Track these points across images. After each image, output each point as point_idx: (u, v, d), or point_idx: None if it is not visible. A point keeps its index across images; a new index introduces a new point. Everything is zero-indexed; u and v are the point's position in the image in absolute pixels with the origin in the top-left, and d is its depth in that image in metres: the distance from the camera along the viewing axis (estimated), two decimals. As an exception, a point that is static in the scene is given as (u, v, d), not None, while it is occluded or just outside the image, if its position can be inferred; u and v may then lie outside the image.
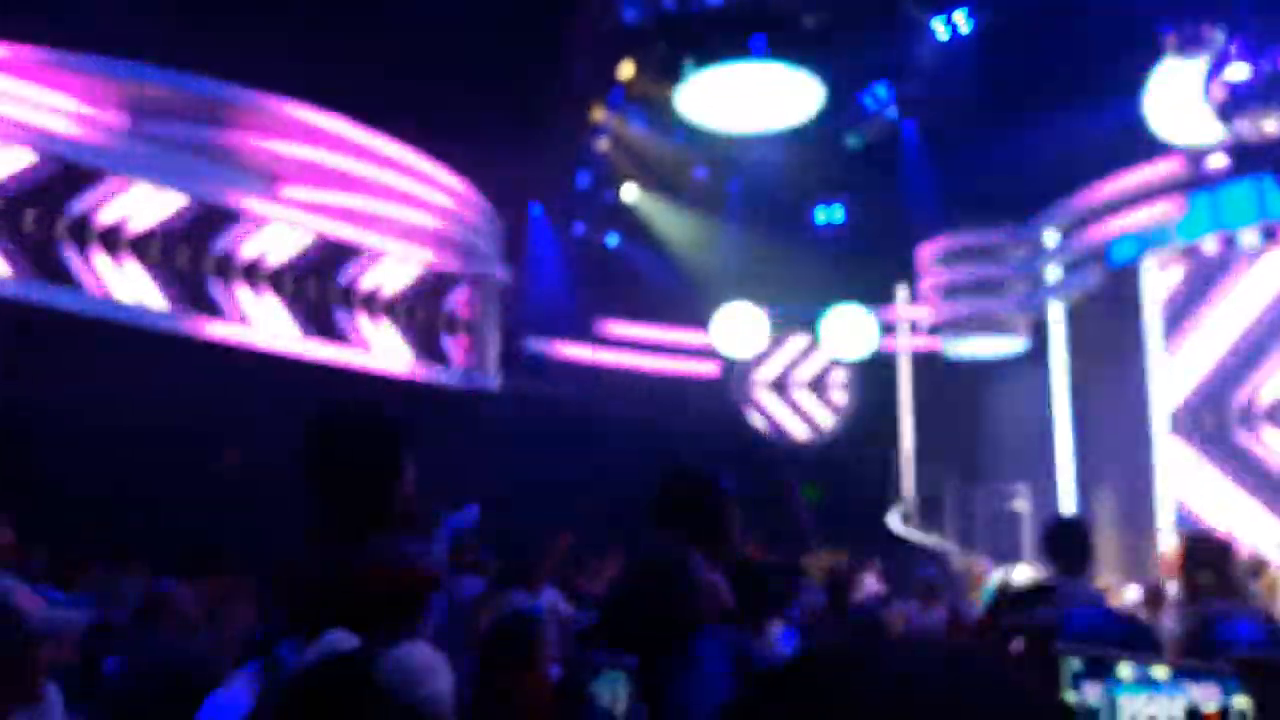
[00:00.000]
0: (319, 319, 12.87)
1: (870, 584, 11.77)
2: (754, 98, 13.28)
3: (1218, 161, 12.37)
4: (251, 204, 12.06)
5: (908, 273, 15.73)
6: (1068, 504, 13.54)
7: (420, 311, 14.02)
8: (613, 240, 16.53)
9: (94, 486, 9.43)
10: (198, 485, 10.24)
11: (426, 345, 14.08)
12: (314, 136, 12.00)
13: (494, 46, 11.48)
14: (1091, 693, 1.62)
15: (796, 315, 16.47)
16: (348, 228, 13.07)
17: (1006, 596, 4.22)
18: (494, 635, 4.61)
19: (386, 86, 11.74)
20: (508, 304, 14.88)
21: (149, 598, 4.64)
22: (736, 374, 16.83)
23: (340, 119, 12.14)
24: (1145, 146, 12.62)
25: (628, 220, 16.40)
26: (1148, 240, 13.35)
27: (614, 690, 2.47)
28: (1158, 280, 13.44)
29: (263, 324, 12.25)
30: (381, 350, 13.51)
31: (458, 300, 14.54)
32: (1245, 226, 12.68)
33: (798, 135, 14.95)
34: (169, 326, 11.32)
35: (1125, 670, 1.61)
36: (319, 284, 12.91)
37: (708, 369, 16.60)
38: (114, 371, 9.94)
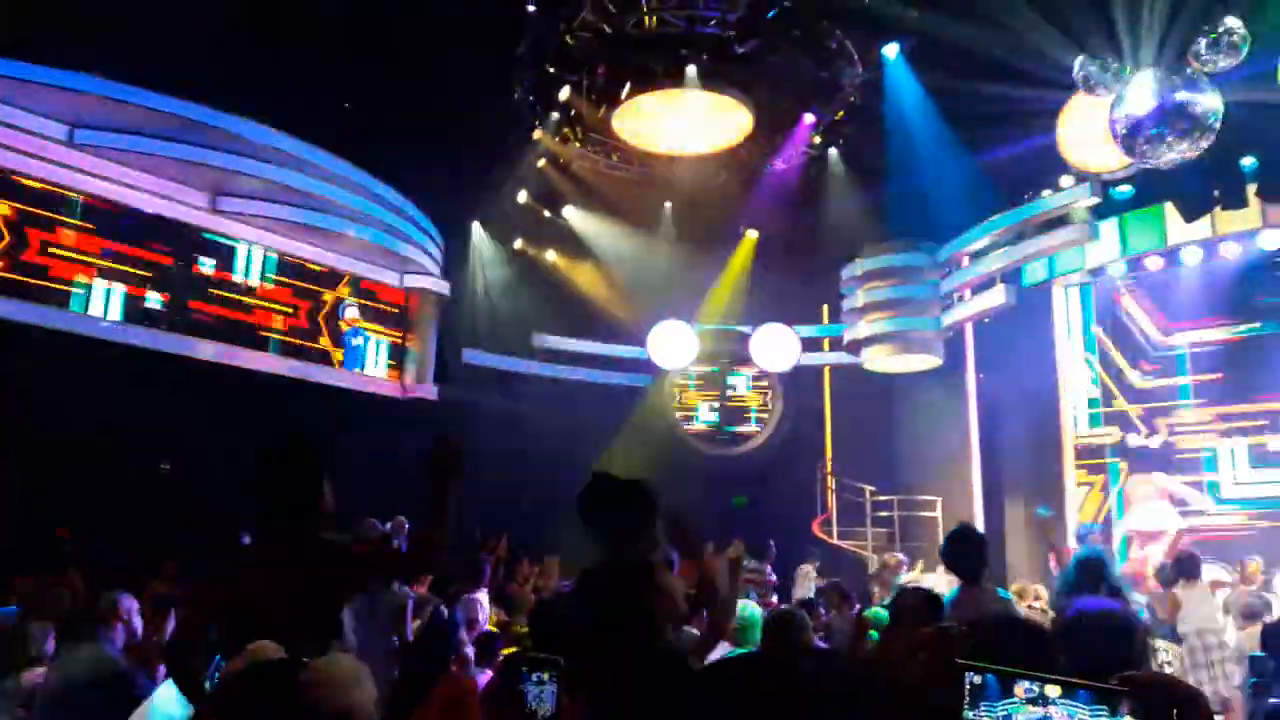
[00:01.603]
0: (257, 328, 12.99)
1: (813, 580, 12.26)
2: (688, 121, 13.69)
3: (1123, 190, 13.00)
4: (197, 217, 12.20)
5: (831, 292, 16.31)
6: (979, 513, 14.14)
7: (358, 322, 14.17)
8: (550, 256, 16.80)
9: (30, 496, 9.47)
10: (134, 496, 10.29)
11: (364, 354, 14.24)
12: (258, 151, 12.08)
13: (437, 66, 11.66)
14: (986, 709, 1.65)
15: (727, 330, 16.98)
16: (288, 239, 13.21)
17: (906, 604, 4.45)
18: (416, 639, 4.81)
19: (329, 104, 11.86)
20: (447, 316, 15.08)
21: (97, 604, 4.72)
22: (669, 386, 17.23)
23: (283, 135, 12.23)
24: (1056, 174, 13.23)
25: (565, 237, 16.69)
26: (1056, 263, 14.03)
27: (542, 689, 2.50)
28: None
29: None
30: (319, 360, 13.65)
31: (397, 312, 14.75)
32: (1148, 251, 13.39)
33: (729, 158, 15.40)
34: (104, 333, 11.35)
35: (1020, 686, 1.64)
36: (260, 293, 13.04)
37: (641, 381, 16.96)
38: (50, 380, 9.96)
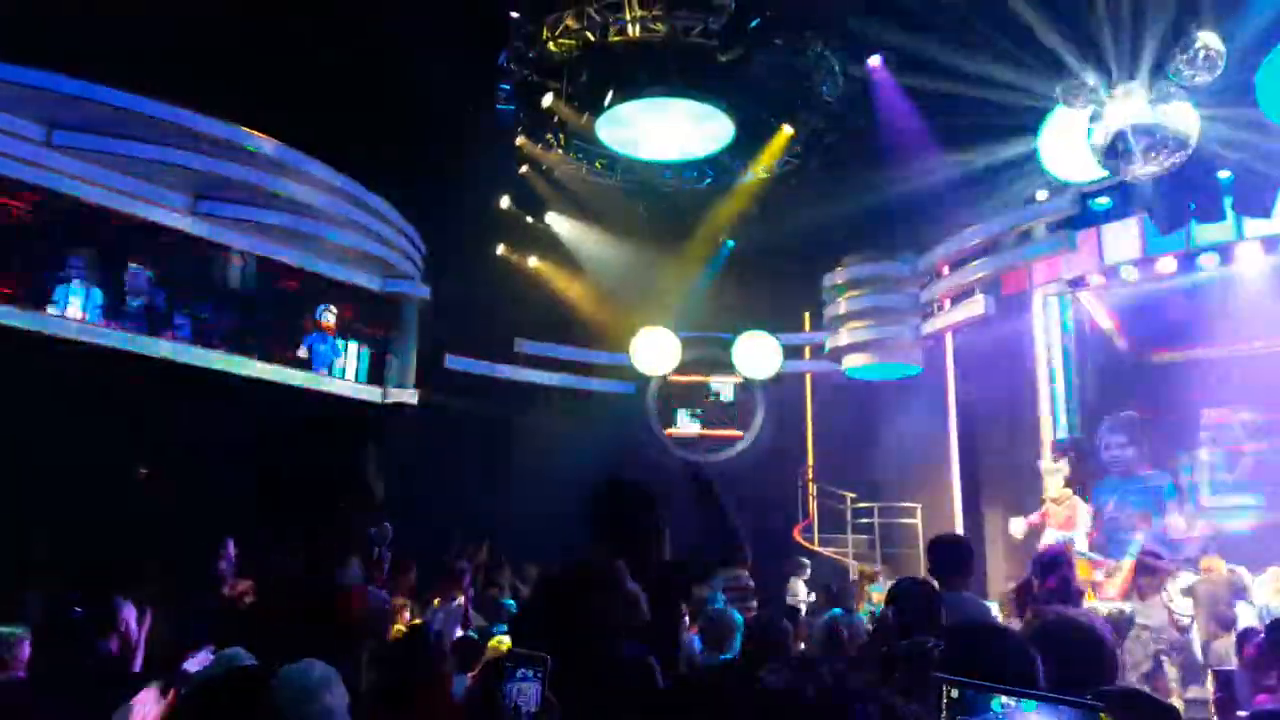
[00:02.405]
0: (243, 334, 12.92)
1: (801, 590, 12.33)
2: (671, 128, 13.73)
3: (1103, 200, 13.14)
4: (176, 220, 12.12)
5: (813, 300, 16.39)
6: (958, 521, 14.23)
7: (340, 326, 14.11)
8: (533, 261, 16.79)
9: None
10: (110, 500, 10.22)
11: (346, 360, 14.17)
12: (242, 156, 12.03)
13: (419, 72, 11.66)
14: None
15: (709, 337, 17.03)
16: (267, 244, 13.15)
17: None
18: (396, 648, 4.77)
19: (311, 107, 11.82)
20: (428, 321, 15.04)
21: (97, 610, 4.69)
22: (651, 393, 17.24)
23: (264, 139, 12.19)
24: (1037, 185, 13.36)
25: (548, 243, 16.70)
26: (1037, 272, 14.14)
27: (527, 686, 2.47)
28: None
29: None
30: (302, 365, 13.59)
31: (377, 317, 14.71)
32: (1126, 262, 13.50)
33: (712, 165, 15.47)
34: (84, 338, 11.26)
35: (997, 701, 1.65)
36: (242, 299, 12.98)
37: (623, 388, 16.98)
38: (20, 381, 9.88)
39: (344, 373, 14.10)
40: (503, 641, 6.27)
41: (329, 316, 13.89)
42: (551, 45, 13.14)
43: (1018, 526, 12.88)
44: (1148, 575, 9.30)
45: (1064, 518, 12.61)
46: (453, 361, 15.23)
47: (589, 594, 2.82)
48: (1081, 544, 12.44)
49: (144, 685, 3.57)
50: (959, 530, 13.93)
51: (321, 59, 12.13)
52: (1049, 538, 12.40)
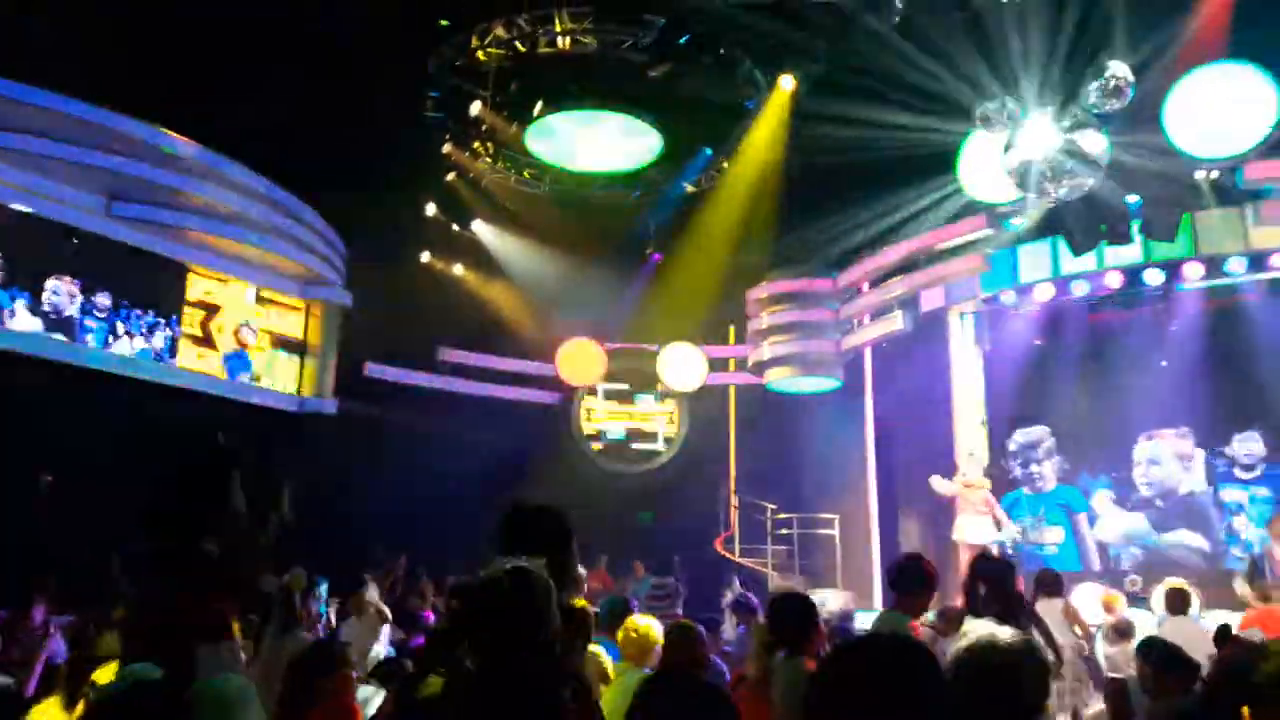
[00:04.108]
0: (153, 338, 12.59)
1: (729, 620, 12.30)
2: (599, 140, 13.77)
3: (1017, 223, 13.47)
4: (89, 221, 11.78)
5: (737, 313, 16.55)
6: (874, 532, 14.48)
7: (257, 333, 13.85)
8: (458, 270, 16.67)
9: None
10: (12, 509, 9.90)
11: (261, 366, 13.91)
12: (157, 156, 11.76)
13: (347, 78, 11.52)
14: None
15: (635, 349, 17.07)
16: (183, 248, 12.87)
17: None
18: (297, 662, 4.67)
19: (235, 112, 11.60)
20: (348, 328, 14.83)
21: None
22: (575, 403, 17.22)
23: (182, 140, 11.93)
24: (955, 204, 13.65)
25: (474, 251, 16.59)
26: (953, 291, 14.46)
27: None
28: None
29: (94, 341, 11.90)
30: (217, 372, 13.30)
31: (296, 323, 14.46)
32: (1039, 281, 13.86)
33: (640, 178, 15.55)
34: None
35: None
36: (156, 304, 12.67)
37: (548, 398, 16.94)
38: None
39: (259, 380, 13.82)
40: None
41: (247, 331, 13.65)
42: (481, 54, 13.09)
43: (941, 484, 13.08)
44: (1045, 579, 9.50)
45: (979, 500, 12.89)
46: (374, 370, 15.04)
47: (538, 600, 2.60)
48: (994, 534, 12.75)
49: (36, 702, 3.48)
50: (874, 541, 14.20)
51: (244, 59, 11.91)
52: (964, 525, 12.65)
